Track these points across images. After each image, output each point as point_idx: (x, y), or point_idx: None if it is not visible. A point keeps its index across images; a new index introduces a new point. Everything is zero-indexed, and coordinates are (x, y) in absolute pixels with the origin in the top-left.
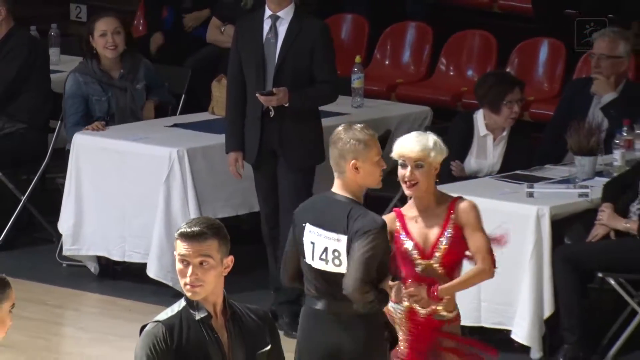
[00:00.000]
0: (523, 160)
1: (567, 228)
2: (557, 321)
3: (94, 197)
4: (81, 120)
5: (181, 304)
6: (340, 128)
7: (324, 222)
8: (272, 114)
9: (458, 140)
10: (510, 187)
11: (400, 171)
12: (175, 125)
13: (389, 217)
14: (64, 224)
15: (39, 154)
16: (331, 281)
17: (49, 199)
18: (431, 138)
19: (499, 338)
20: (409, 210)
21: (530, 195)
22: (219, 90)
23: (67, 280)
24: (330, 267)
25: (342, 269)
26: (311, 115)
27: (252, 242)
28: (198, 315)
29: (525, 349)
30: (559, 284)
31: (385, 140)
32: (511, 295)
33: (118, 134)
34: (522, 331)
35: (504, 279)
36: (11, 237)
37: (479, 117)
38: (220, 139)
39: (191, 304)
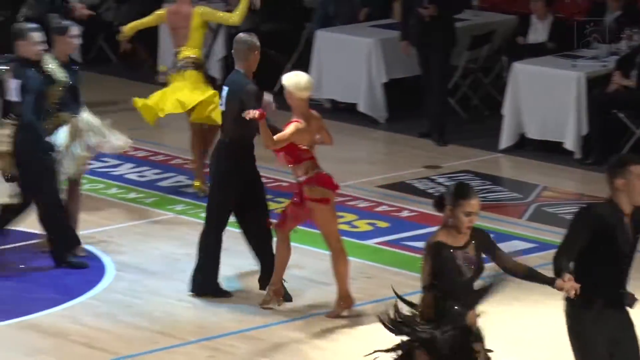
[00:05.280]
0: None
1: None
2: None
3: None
4: None
5: (610, 202)
6: None
7: None
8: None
9: None
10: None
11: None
12: (373, 26)
13: None
14: None
15: None
16: None
17: None
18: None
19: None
20: None
21: None
22: (397, 7)
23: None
24: None
25: None
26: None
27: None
28: (618, 212)
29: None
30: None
31: (491, 35)
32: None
33: (347, 30)
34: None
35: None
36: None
37: None
38: (398, 33)
39: (612, 202)
